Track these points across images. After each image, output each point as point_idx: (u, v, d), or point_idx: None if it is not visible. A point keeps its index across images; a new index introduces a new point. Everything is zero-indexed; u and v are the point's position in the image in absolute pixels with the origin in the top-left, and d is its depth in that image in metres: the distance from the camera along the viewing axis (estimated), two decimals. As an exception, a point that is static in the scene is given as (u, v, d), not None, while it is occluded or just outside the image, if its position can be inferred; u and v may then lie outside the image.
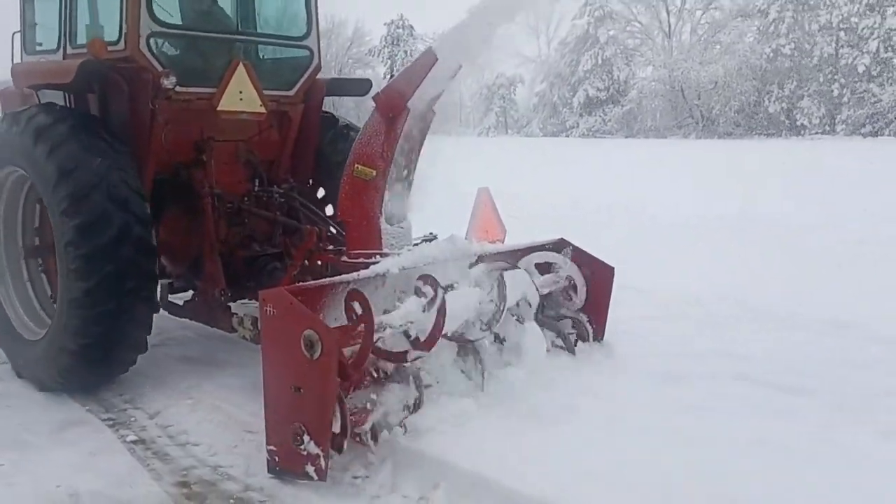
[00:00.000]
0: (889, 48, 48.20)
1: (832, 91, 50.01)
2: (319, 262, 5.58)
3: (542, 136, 61.01)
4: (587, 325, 5.70)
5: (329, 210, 6.70)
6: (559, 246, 5.78)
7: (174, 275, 6.24)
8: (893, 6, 47.92)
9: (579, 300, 5.61)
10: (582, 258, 5.71)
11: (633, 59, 61.82)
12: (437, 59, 4.66)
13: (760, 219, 12.84)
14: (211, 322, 5.79)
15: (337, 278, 4.53)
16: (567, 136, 59.21)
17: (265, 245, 6.24)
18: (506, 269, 5.00)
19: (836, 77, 50.03)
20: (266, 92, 5.98)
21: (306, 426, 3.94)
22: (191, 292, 6.21)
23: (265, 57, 6.60)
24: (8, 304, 6.02)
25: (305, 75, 6.43)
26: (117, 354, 5.33)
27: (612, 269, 5.69)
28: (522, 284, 5.12)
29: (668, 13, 61.68)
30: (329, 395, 3.90)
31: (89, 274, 5.01)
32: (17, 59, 6.60)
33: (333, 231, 6.01)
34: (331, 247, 5.55)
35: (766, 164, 25.09)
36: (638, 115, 58.39)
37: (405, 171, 5.10)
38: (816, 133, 49.19)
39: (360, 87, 7.13)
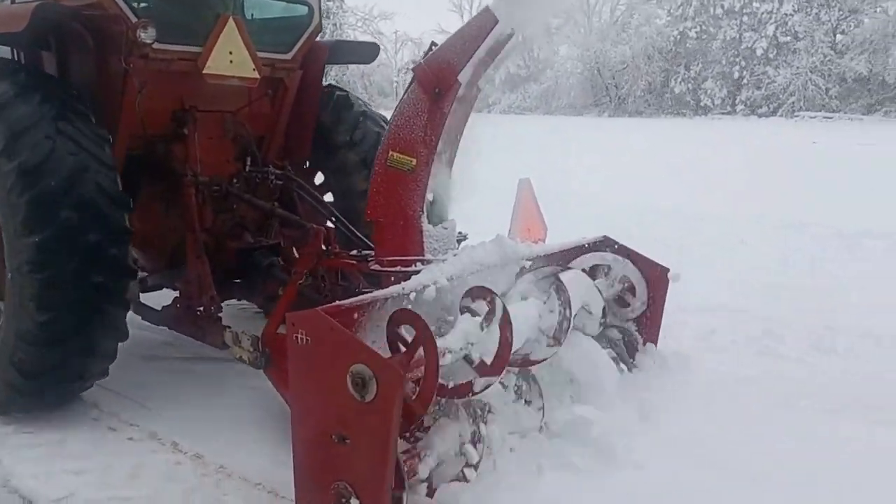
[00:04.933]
0: (785, 32, 48.67)
1: (734, 73, 50.43)
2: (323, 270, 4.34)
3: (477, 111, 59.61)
4: (636, 334, 4.64)
5: (328, 198, 5.47)
6: (604, 244, 4.66)
7: (148, 270, 4.92)
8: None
9: (639, 305, 4.52)
10: (631, 258, 4.62)
11: (553, 38, 60.95)
12: (496, 22, 3.55)
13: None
14: (196, 335, 4.50)
15: (380, 293, 3.36)
16: (489, 111, 58.14)
17: (258, 236, 4.98)
18: (559, 272, 3.90)
19: (737, 59, 50.40)
20: (259, 54, 4.69)
21: (354, 486, 2.89)
22: (165, 290, 4.89)
23: (256, 13, 5.23)
24: None
25: (304, 36, 5.08)
26: (78, 370, 4.03)
27: (667, 269, 4.61)
28: (581, 290, 4.03)
29: (588, -7, 60.86)
30: (388, 445, 2.83)
31: (40, 235, 3.70)
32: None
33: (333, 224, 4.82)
34: (354, 252, 4.29)
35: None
36: (556, 92, 57.77)
37: (446, 160, 3.94)
38: (718, 113, 49.50)
39: (368, 52, 5.82)
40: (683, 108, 51.79)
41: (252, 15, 5.16)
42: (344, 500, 2.90)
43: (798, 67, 46.73)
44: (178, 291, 4.69)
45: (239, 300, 5.18)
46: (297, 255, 4.78)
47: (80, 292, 3.77)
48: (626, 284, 4.54)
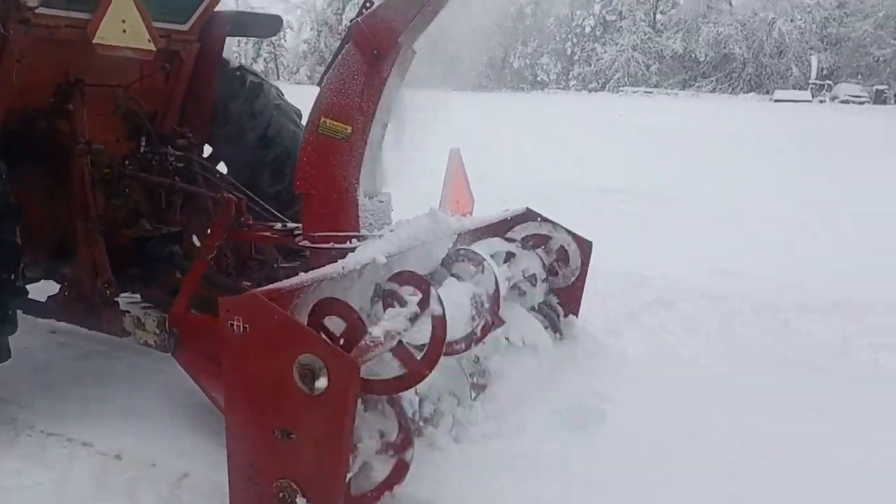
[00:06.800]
0: (611, 12, 50.59)
1: (566, 49, 51.89)
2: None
3: (311, 84, 58.19)
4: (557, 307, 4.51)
5: None
6: (527, 217, 4.49)
7: (27, 261, 4.27)
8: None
9: (570, 274, 4.37)
10: (554, 231, 4.47)
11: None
12: None
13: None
14: (91, 324, 4.01)
15: (319, 272, 3.01)
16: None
17: (157, 222, 4.47)
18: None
19: (569, 37, 51.89)
20: (154, 24, 4.13)
21: (301, 484, 2.61)
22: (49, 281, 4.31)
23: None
24: None
25: (202, 6, 4.52)
26: None
27: (590, 243, 4.50)
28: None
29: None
30: (342, 440, 2.56)
31: None
32: None
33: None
34: (278, 226, 3.89)
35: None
36: (400, 65, 57.43)
37: (380, 128, 3.59)
38: (554, 88, 50.84)
39: (270, 24, 5.30)
40: (522, 83, 52.85)
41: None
42: (288, 499, 2.63)
43: (622, 45, 48.72)
44: (63, 282, 4.16)
45: (134, 293, 4.66)
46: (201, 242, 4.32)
47: None
48: (559, 254, 4.37)
